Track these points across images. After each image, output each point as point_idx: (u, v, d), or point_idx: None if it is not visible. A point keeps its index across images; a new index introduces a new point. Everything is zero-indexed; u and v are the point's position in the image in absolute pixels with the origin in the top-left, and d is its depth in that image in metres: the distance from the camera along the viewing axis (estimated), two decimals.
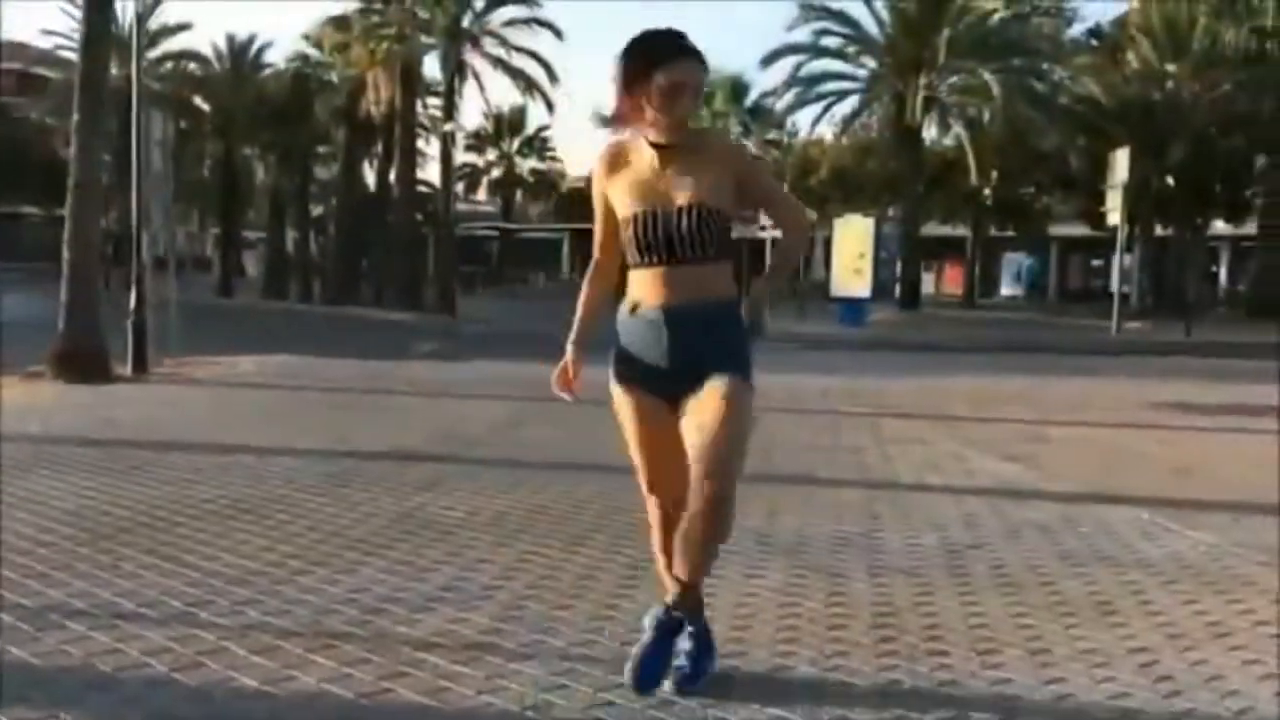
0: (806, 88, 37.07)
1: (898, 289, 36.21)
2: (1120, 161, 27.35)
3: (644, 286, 3.26)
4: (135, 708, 3.24)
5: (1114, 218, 27.61)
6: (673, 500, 3.35)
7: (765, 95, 45.80)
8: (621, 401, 3.37)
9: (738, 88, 49.75)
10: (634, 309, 3.29)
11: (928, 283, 56.63)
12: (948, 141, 39.96)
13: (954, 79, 35.84)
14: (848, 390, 12.74)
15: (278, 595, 4.30)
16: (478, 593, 4.39)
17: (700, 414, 3.19)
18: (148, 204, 12.91)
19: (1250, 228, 39.67)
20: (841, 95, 37.91)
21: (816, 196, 43.95)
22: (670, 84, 3.16)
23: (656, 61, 3.18)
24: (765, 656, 3.77)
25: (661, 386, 3.29)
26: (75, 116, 11.78)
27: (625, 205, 3.29)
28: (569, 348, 3.49)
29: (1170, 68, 36.83)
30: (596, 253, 3.46)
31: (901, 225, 36.24)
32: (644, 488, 3.47)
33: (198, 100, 42.84)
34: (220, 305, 34.72)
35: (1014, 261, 55.38)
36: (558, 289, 42.73)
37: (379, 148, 38.56)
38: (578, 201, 57.38)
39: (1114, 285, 29.26)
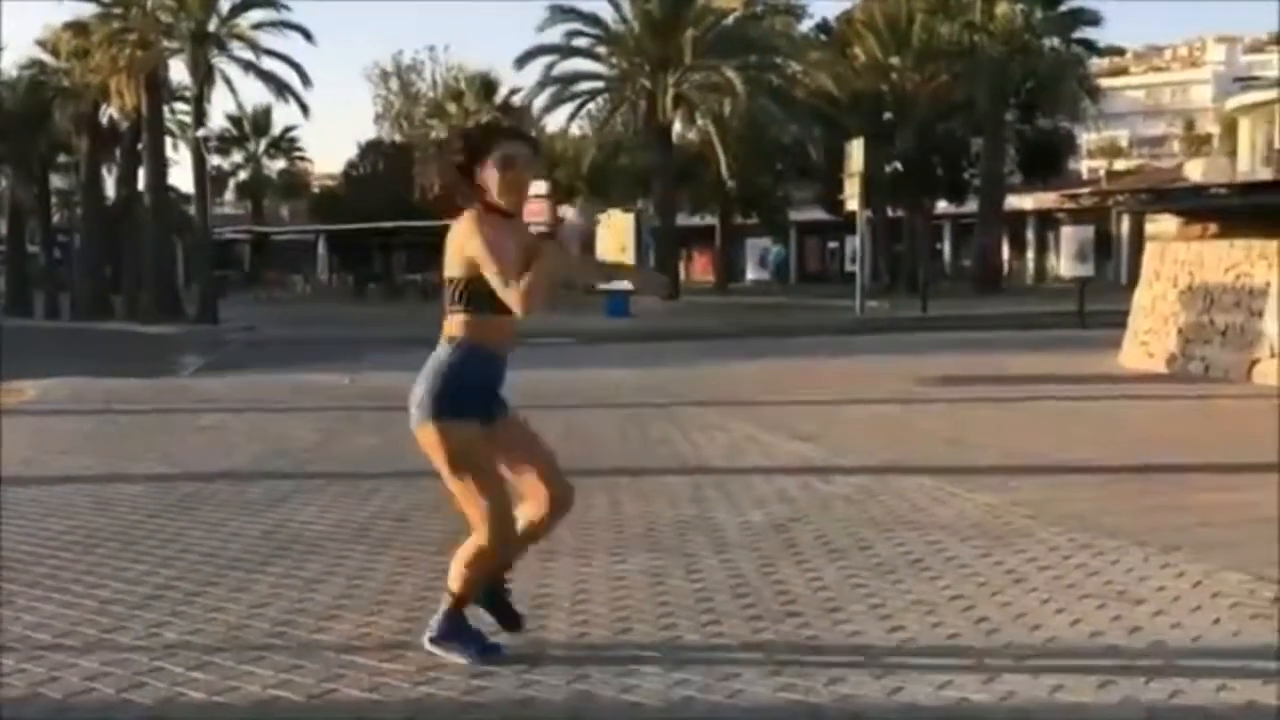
0: (562, 87, 37.81)
1: None
2: (855, 151, 29.20)
3: (502, 331, 3.88)
4: None
5: (852, 204, 29.48)
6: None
7: (513, 92, 46.34)
8: (472, 434, 3.84)
9: (487, 85, 50.05)
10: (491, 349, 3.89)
11: (680, 270, 58.53)
12: (693, 136, 41.51)
13: (699, 76, 37.26)
14: (638, 383, 13.40)
15: (184, 616, 4.54)
16: (373, 599, 4.75)
17: (526, 432, 4.06)
18: None
19: (971, 206, 42.81)
20: (593, 94, 38.84)
21: (563, 189, 44.82)
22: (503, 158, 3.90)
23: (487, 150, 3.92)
24: (652, 630, 4.30)
25: (489, 413, 3.92)
26: None
27: None
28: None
29: (894, 60, 39.34)
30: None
31: (656, 218, 37.43)
32: (498, 501, 3.88)
33: None
34: None
35: (757, 247, 57.77)
36: (318, 292, 42.07)
37: (120, 155, 37.00)
38: (328, 202, 56.51)
39: (854, 267, 31.17)
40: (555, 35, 37.65)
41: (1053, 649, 4.09)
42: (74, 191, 38.55)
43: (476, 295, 3.79)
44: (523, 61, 36.87)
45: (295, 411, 11.33)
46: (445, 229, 3.91)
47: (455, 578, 3.91)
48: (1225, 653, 4.04)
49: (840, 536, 5.73)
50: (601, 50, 38.13)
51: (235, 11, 35.25)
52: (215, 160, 58.00)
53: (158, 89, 33.72)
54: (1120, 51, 79.42)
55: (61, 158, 38.59)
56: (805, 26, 45.12)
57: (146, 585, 4.98)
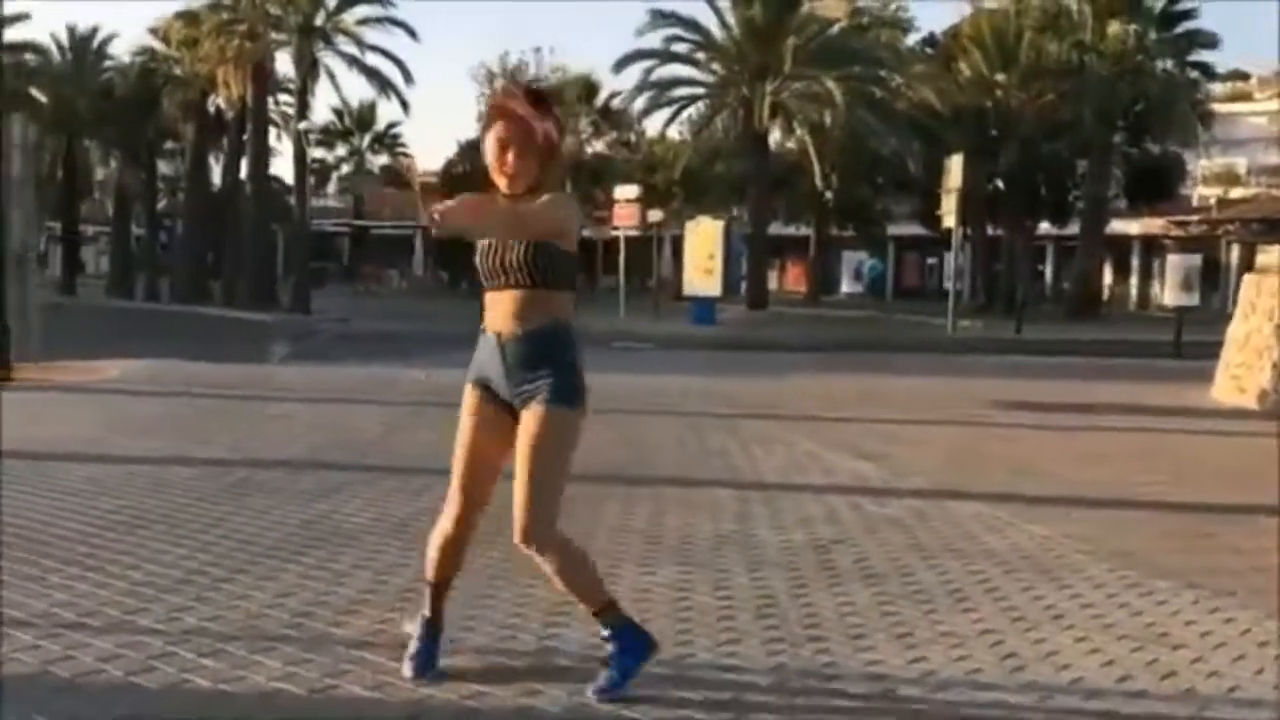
0: (659, 91, 37.85)
1: (743, 287, 37.30)
2: (955, 167, 28.75)
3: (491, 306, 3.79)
4: (102, 710, 3.52)
5: (949, 220, 29.01)
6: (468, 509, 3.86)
7: (614, 96, 46.47)
8: (466, 397, 3.83)
9: (588, 88, 50.23)
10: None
11: (771, 280, 58.24)
12: (791, 145, 41.27)
13: (798, 85, 37.03)
14: (705, 391, 13.32)
15: (208, 602, 4.59)
16: (396, 596, 4.75)
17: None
18: (8, 209, 12.74)
19: (1074, 229, 41.95)
20: (692, 100, 38.83)
21: (661, 194, 44.85)
22: (492, 143, 3.67)
23: (489, 123, 3.73)
24: (665, 646, 4.23)
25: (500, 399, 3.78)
26: None
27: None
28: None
29: (999, 77, 38.70)
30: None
31: (749, 226, 37.28)
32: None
33: (34, 92, 41.44)
34: (67, 304, 33.70)
35: (853, 260, 57.28)
36: (414, 287, 42.63)
37: (226, 144, 37.91)
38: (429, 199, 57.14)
39: (949, 284, 30.70)
40: (655, 40, 37.76)
41: (1076, 689, 3.94)
42: (179, 178, 39.50)
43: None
44: (621, 65, 37.01)
45: (365, 404, 11.44)
46: None
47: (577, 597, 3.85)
48: (1261, 705, 3.85)
49: (881, 561, 5.60)
50: (700, 56, 38.08)
51: (342, 6, 35.89)
52: (319, 153, 59.27)
53: (263, 80, 34.46)
54: (1245, 76, 77.20)
55: (168, 144, 39.59)
56: (912, 40, 44.71)
57: (180, 569, 5.04)
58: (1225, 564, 5.73)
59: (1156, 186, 40.44)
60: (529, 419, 3.69)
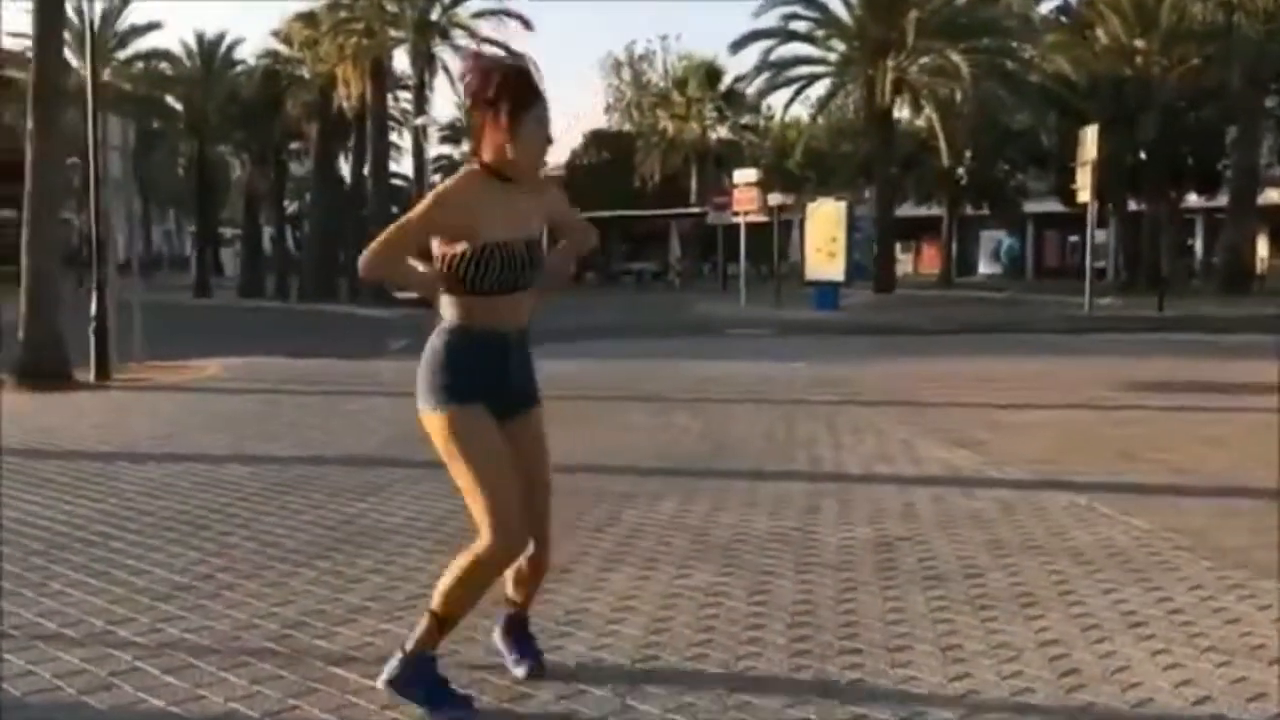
0: (777, 72, 37.06)
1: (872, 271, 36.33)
2: (1089, 138, 27.39)
3: (496, 311, 3.31)
4: None
5: (1084, 195, 27.64)
6: (520, 533, 3.34)
7: (738, 80, 45.75)
8: (471, 419, 3.29)
9: (711, 73, 49.69)
10: (478, 331, 3.31)
11: (907, 263, 56.83)
12: (920, 123, 40.03)
13: (924, 60, 35.87)
14: (814, 378, 12.78)
15: (200, 611, 4.32)
16: (402, 603, 4.41)
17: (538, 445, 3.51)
18: (107, 209, 12.89)
19: (1224, 200, 39.83)
20: (812, 79, 37.94)
21: (794, 179, 44.01)
22: (543, 130, 3.32)
23: (529, 103, 3.29)
24: (677, 658, 3.80)
25: (497, 405, 3.35)
26: (29, 123, 11.75)
27: (493, 230, 3.26)
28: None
29: (1139, 43, 36.92)
30: (403, 252, 3.32)
31: (875, 207, 36.29)
32: (495, 513, 3.27)
33: (170, 99, 42.69)
34: (195, 306, 34.63)
35: (991, 240, 55.53)
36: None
37: (352, 142, 38.46)
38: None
39: (1087, 263, 29.34)
40: (773, 19, 36.92)
41: (1142, 714, 3.38)
42: (306, 178, 40.21)
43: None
44: (739, 46, 36.27)
45: None
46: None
47: (440, 593, 3.36)
48: None
49: (949, 561, 5.07)
50: (820, 34, 37.14)
51: (456, 1, 36.01)
52: (445, 149, 59.91)
53: (381, 77, 34.74)
54: None
55: (294, 145, 40.31)
56: (1045, 8, 42.96)
57: (186, 575, 4.80)
58: None
59: None
60: (535, 420, 3.51)
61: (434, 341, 3.35)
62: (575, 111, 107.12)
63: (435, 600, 3.38)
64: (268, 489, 6.60)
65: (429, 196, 3.34)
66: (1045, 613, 4.33)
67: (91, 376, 12.14)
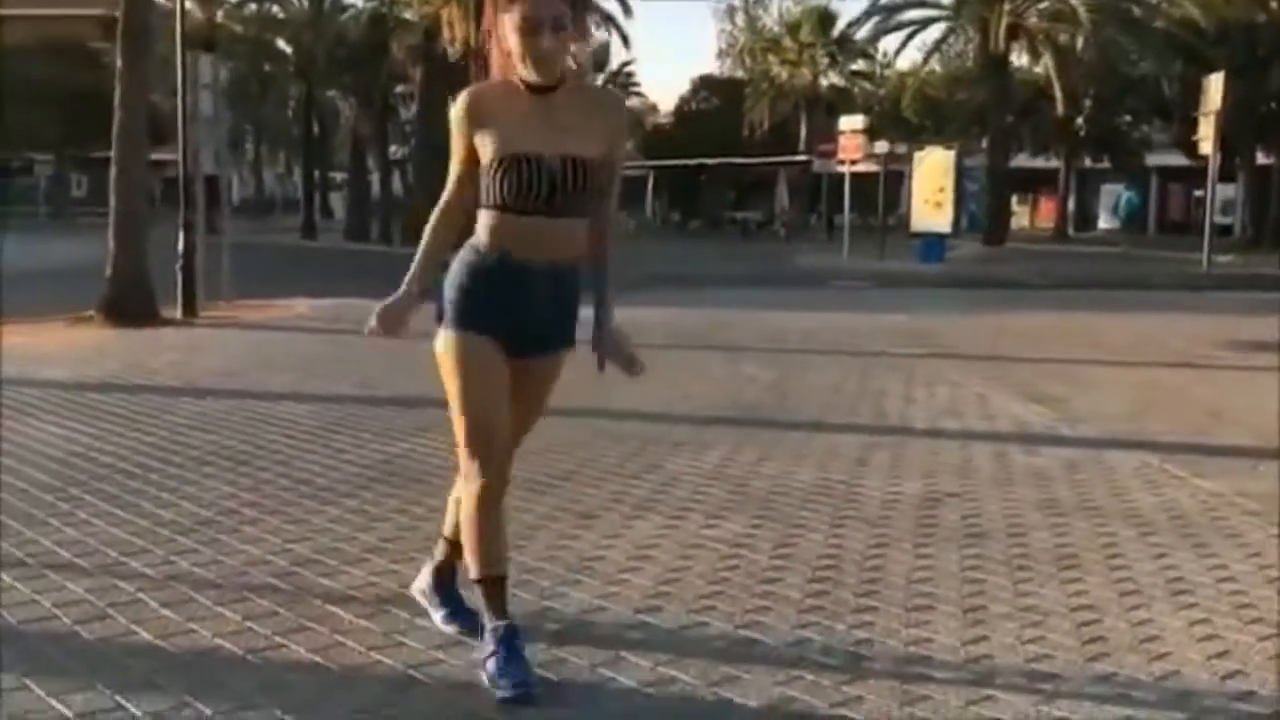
0: (888, 15, 36.15)
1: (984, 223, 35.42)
2: (1214, 87, 26.18)
3: (514, 234, 3.05)
4: (26, 661, 3.23)
5: (1206, 146, 26.47)
6: (498, 473, 3.13)
7: (851, 24, 44.77)
8: (467, 348, 3.08)
9: (824, 18, 48.71)
10: (497, 256, 3.05)
11: (1023, 216, 55.33)
12: (1038, 70, 38.76)
13: (1043, 4, 34.68)
14: (900, 329, 12.46)
15: (215, 545, 4.30)
16: (419, 544, 4.32)
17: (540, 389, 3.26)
18: (197, 148, 13.05)
19: None
20: (925, 23, 36.93)
21: (910, 127, 42.96)
22: (524, 19, 2.94)
23: (508, 7, 2.98)
24: (679, 612, 3.66)
25: (511, 340, 3.12)
26: (118, 62, 11.90)
27: (505, 144, 2.99)
28: (407, 288, 3.17)
29: None
30: (449, 193, 3.16)
31: (989, 157, 35.27)
32: (473, 451, 3.09)
33: (280, 43, 43.22)
34: (299, 247, 35.14)
35: (1112, 193, 53.69)
36: (641, 228, 42.49)
37: (454, 87, 38.54)
38: (662, 139, 56.99)
39: (1207, 217, 28.17)
40: None
41: (1166, 687, 3.16)
42: (411, 122, 40.40)
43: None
44: None
45: None
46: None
47: (449, 521, 3.45)
48: None
49: (995, 520, 4.83)
50: None
51: None
52: None
53: (482, 19, 34.37)
54: None
55: (400, 89, 40.52)
56: None
57: (212, 509, 4.79)
58: None
59: None
60: (552, 366, 3.25)
61: (458, 255, 3.13)
62: (689, 59, 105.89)
63: (447, 526, 3.44)
64: (319, 427, 6.59)
65: None
66: (1085, 576, 4.10)
67: (179, 314, 12.34)
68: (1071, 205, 47.72)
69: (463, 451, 3.11)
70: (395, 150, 45.10)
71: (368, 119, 40.55)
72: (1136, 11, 35.44)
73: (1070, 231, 44.46)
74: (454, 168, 3.13)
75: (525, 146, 3.00)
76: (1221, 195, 43.67)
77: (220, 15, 41.45)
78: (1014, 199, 50.19)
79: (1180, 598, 3.88)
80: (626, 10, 37.63)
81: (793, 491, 5.25)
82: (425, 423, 6.71)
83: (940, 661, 3.30)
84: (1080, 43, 34.51)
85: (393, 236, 35.79)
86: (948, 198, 28.08)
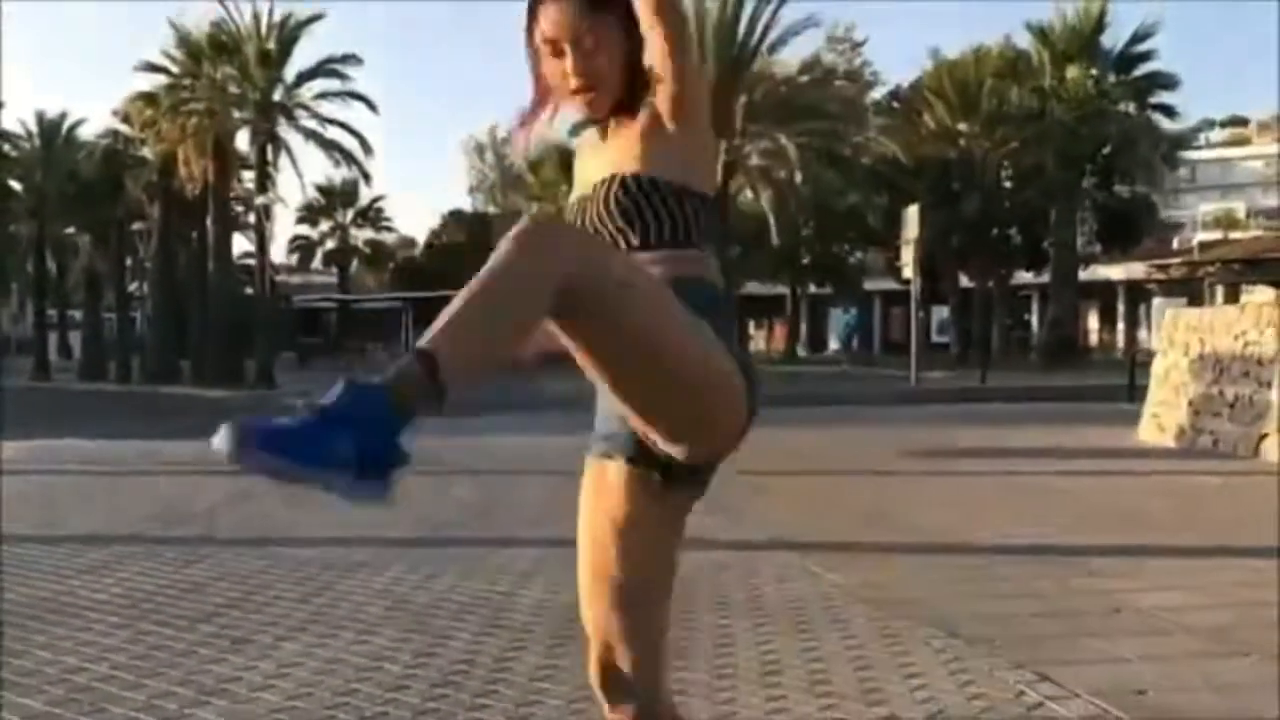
0: None
1: None
2: (910, 218, 28.50)
3: None
4: None
5: (908, 271, 28.71)
6: None
7: None
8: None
9: (566, 159, 50.30)
10: None
11: (760, 340, 58.03)
12: (764, 203, 41.14)
13: (765, 143, 36.99)
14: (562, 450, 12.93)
15: None
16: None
17: None
18: None
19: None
20: None
21: None
22: (542, 40, 2.34)
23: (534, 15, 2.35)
24: None
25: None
26: None
27: (577, 191, 2.46)
28: None
29: (962, 126, 38.65)
30: None
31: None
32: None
33: (10, 181, 41.68)
34: (27, 389, 33.55)
35: (838, 317, 57.00)
36: (392, 361, 42.23)
37: (193, 224, 38.06)
38: (413, 272, 57.27)
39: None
40: None
41: None
42: (146, 259, 39.60)
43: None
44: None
45: (206, 475, 11.10)
46: None
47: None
48: None
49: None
50: None
51: (300, 81, 36.07)
52: (304, 229, 59.58)
53: (224, 158, 34.44)
54: (1244, 122, 77.16)
55: (137, 225, 39.70)
56: (878, 94, 44.77)
57: None
58: (1010, 609, 5.36)
59: (1127, 230, 40.17)
60: None
61: None
62: (435, 191, 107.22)
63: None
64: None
65: None
66: (689, 661, 4.52)
67: None
68: (804, 329, 50.41)
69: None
70: (135, 287, 43.87)
71: (103, 256, 39.42)
72: (846, 150, 38.21)
73: (800, 353, 46.84)
74: None
75: (576, 193, 2.50)
76: (938, 316, 47.11)
77: None
78: (750, 324, 52.59)
79: (766, 678, 4.34)
80: (366, 149, 38.07)
81: (450, 605, 5.52)
82: (98, 562, 6.70)
83: None
84: (798, 177, 36.92)
85: (131, 375, 34.63)
86: None
